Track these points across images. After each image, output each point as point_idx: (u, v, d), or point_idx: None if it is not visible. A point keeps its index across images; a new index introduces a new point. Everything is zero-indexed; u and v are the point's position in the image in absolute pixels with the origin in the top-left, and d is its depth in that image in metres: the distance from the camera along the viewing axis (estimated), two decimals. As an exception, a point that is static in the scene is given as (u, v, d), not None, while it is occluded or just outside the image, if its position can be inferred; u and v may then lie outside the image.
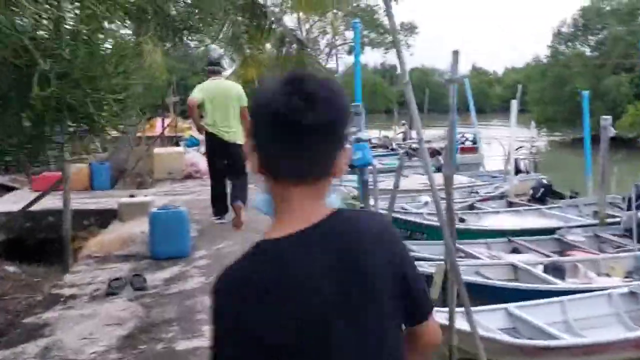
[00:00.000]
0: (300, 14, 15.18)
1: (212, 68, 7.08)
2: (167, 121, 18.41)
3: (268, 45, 10.63)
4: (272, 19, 11.08)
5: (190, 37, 5.61)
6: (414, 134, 30.23)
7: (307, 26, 15.35)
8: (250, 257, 1.21)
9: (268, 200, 1.27)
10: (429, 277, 5.57)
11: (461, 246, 9.50)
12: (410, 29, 35.62)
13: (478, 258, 8.90)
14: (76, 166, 9.32)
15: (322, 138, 1.21)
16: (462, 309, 4.81)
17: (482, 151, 21.23)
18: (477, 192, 14.75)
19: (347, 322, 1.19)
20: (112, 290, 4.82)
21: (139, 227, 6.26)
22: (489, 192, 14.58)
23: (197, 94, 6.83)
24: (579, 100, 16.32)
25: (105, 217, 7.43)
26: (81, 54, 2.83)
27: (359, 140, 9.25)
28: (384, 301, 1.25)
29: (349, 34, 30.52)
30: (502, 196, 13.94)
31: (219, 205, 7.01)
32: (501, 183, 15.12)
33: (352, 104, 9.92)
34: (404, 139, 25.76)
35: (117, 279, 5.03)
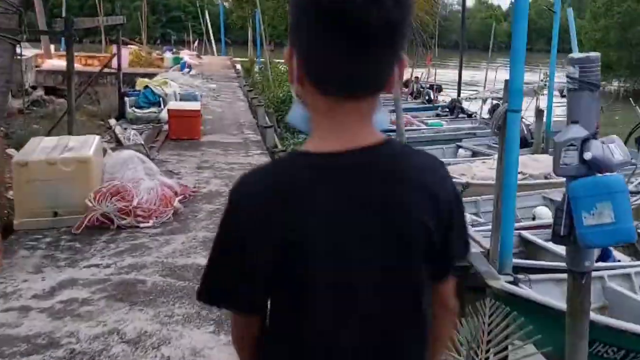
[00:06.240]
0: None
1: None
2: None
3: None
4: None
5: None
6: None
7: None
8: (276, 165, 1.12)
9: (306, 117, 1.06)
10: None
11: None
12: None
13: None
14: None
15: (385, 43, 0.99)
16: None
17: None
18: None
19: (368, 263, 1.04)
20: None
21: None
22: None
23: None
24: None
25: None
26: None
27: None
28: (413, 253, 1.07)
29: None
30: None
31: None
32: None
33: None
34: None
35: None
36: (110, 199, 4.66)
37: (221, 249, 1.06)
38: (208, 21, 34.34)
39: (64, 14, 19.88)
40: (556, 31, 14.43)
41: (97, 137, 5.50)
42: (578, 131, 3.64)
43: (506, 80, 5.67)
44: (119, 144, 7.61)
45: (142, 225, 4.71)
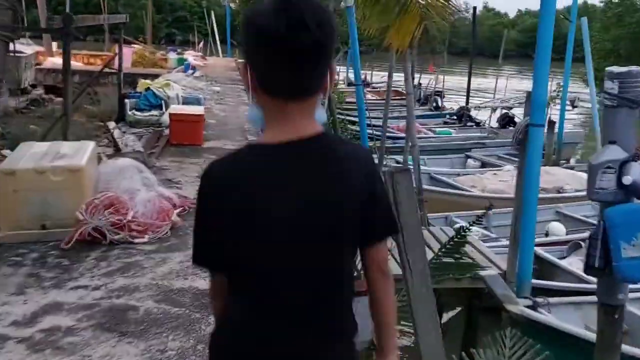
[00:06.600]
0: None
1: None
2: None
3: None
4: None
5: None
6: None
7: None
8: (236, 153, 1.36)
9: (260, 116, 1.36)
10: None
11: None
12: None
13: None
14: None
15: (314, 58, 1.29)
16: None
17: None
18: None
19: (302, 234, 1.31)
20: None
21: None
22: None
23: None
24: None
25: None
26: None
27: None
28: (345, 223, 1.34)
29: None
30: None
31: None
32: None
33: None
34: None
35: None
36: (103, 211, 4.32)
37: (196, 217, 1.35)
38: (214, 22, 34.05)
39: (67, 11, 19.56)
40: (571, 41, 13.94)
41: (92, 144, 5.16)
42: (616, 152, 3.27)
43: (528, 92, 5.34)
44: (116, 149, 7.28)
45: (136, 240, 4.36)
